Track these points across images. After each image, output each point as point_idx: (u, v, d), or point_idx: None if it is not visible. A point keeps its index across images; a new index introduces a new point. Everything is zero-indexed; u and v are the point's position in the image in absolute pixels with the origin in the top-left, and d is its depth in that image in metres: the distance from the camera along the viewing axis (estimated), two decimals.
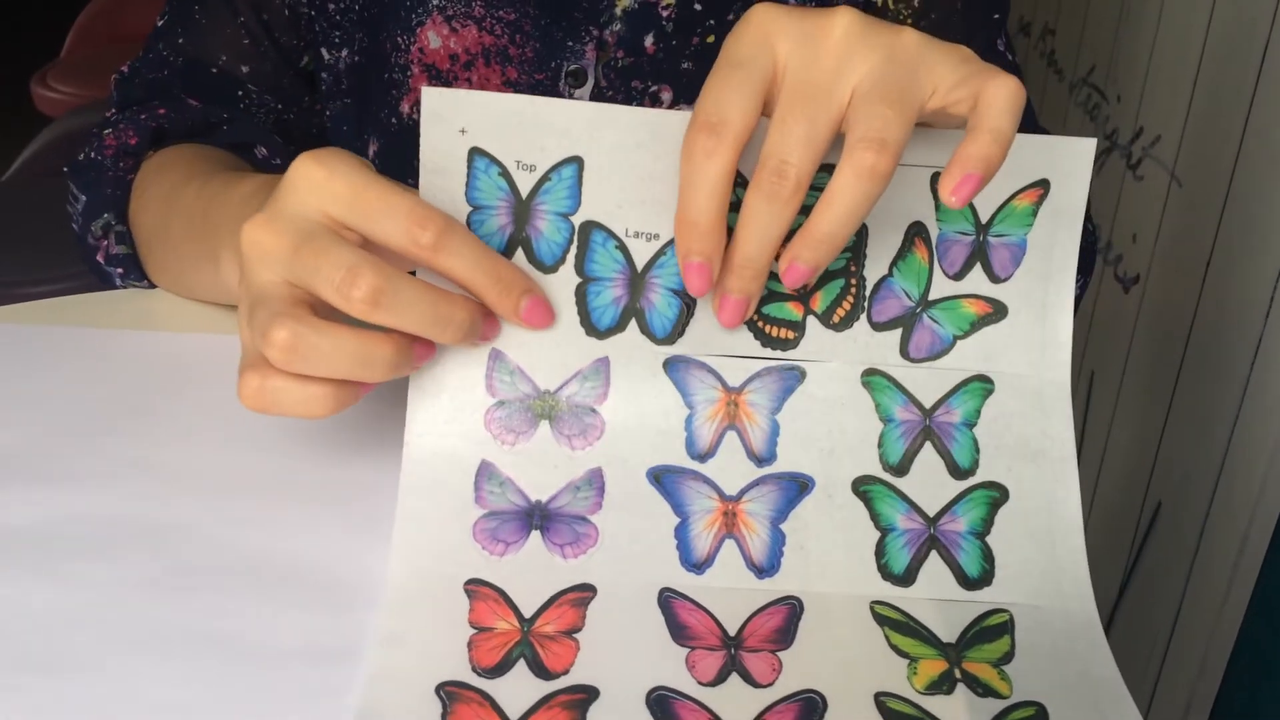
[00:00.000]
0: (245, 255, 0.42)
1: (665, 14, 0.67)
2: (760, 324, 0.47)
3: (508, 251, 0.46)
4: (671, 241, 0.46)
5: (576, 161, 0.45)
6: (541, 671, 0.40)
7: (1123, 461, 1.15)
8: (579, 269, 0.46)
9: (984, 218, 0.47)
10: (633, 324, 0.46)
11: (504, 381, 0.46)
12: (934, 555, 0.45)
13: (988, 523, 0.46)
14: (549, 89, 0.69)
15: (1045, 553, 0.45)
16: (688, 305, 0.46)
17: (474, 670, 0.40)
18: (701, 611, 0.43)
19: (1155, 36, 1.14)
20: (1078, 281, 0.64)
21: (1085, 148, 0.47)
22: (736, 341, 0.46)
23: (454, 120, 0.45)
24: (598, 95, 0.69)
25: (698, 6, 0.68)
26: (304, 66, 0.74)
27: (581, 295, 0.46)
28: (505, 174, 0.45)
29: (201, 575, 0.44)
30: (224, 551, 0.45)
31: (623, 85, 0.69)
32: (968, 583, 0.45)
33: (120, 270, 0.66)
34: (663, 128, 0.44)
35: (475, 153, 0.45)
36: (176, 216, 0.59)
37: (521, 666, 0.40)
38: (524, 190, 0.45)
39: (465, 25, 0.68)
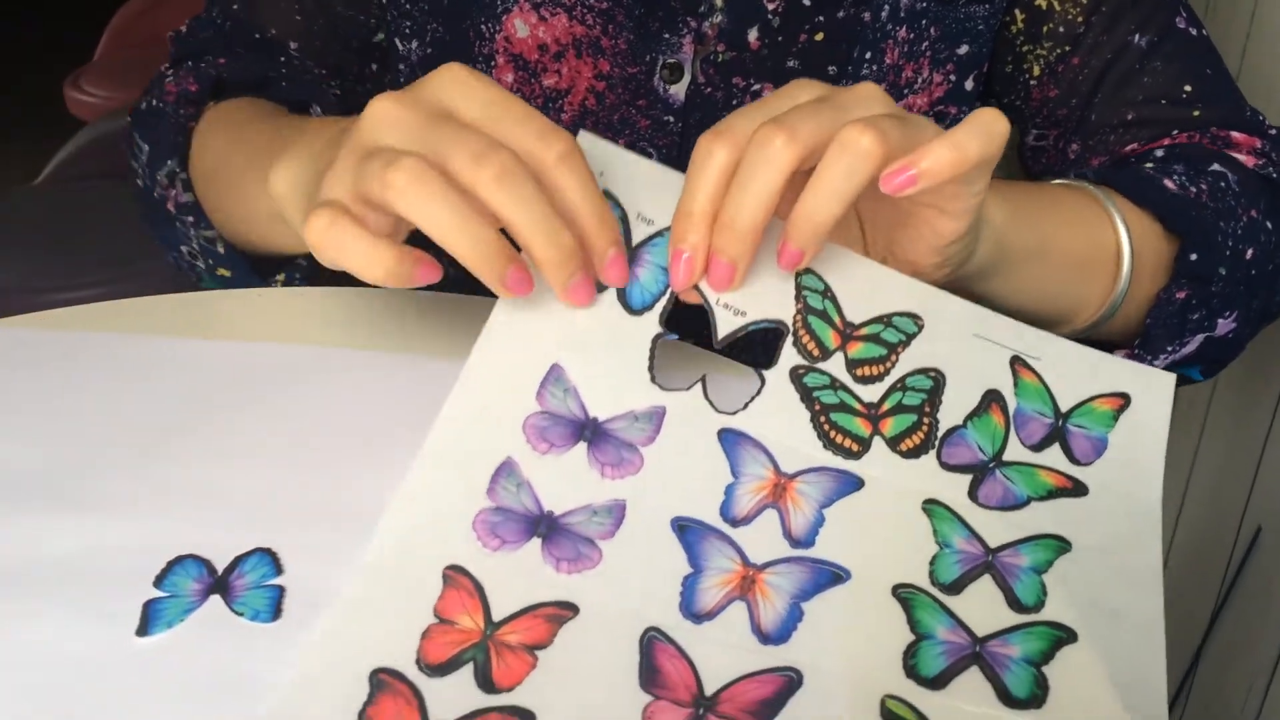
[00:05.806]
0: (366, 120, 0.43)
1: (771, 6, 0.64)
2: (826, 428, 0.46)
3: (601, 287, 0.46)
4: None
5: None
6: (486, 683, 0.37)
7: (1214, 479, 1.09)
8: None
9: (1063, 407, 0.48)
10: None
11: (555, 396, 0.45)
12: (975, 670, 0.39)
13: (1047, 655, 0.40)
14: (643, 83, 0.66)
15: (1115, 701, 0.39)
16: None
17: (417, 663, 0.37)
18: (683, 661, 0.38)
19: (1245, 46, 1.08)
20: (1198, 368, 0.63)
21: (1166, 380, 0.48)
22: (799, 433, 0.45)
23: (595, 164, 0.47)
24: (695, 92, 0.66)
25: (806, 1, 0.64)
26: (377, 42, 0.73)
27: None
28: (624, 219, 0.47)
29: None
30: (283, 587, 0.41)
31: (723, 82, 0.66)
32: (1011, 701, 0.39)
33: (191, 219, 0.63)
34: (773, 226, 0.45)
35: (605, 195, 0.46)
36: (240, 151, 0.59)
37: (467, 672, 0.37)
38: (636, 239, 0.47)
39: (555, 13, 0.65)
